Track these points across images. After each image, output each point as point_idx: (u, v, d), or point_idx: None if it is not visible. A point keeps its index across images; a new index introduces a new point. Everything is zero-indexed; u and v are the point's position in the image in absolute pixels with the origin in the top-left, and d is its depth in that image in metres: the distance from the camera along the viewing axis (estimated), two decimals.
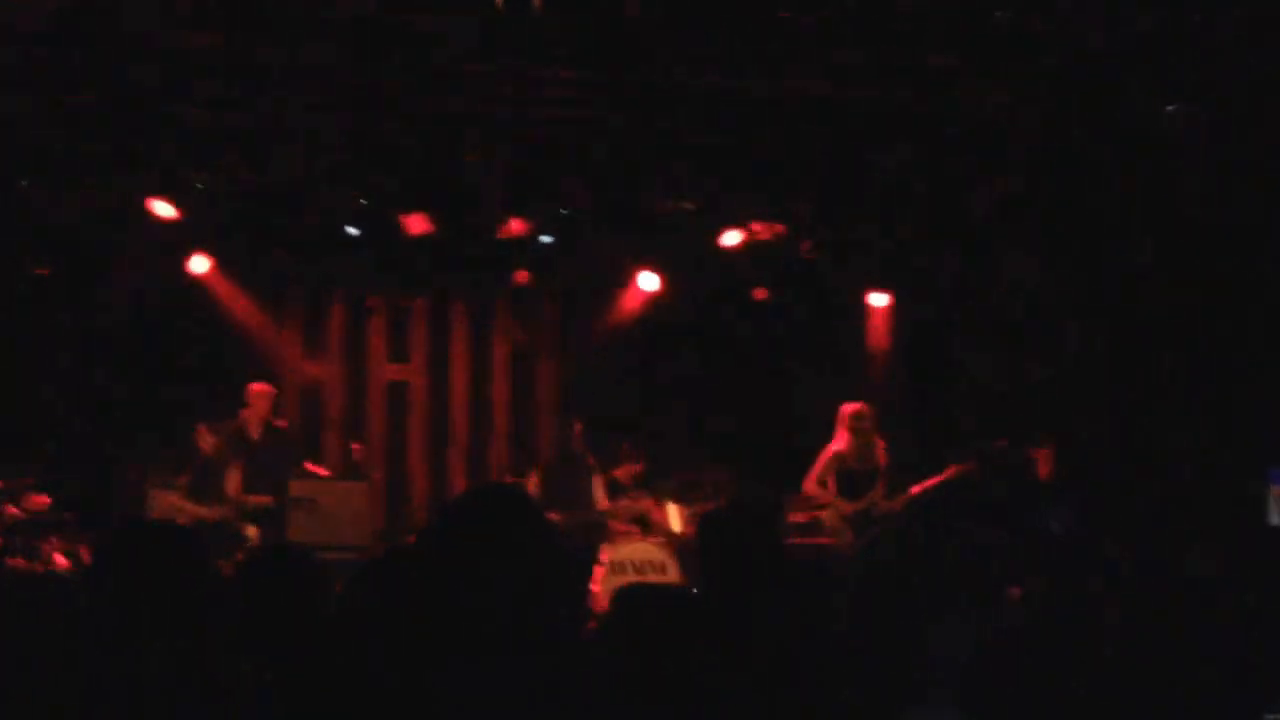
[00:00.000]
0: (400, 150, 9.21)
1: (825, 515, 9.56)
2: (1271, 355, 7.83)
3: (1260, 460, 7.73)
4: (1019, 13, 7.38)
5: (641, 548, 9.55)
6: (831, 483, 9.56)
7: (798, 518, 10.05)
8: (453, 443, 11.86)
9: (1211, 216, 7.96)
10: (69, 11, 7.25)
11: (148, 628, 2.64)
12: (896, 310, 11.66)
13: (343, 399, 11.71)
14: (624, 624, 3.00)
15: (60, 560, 8.60)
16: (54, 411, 10.51)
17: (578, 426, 9.91)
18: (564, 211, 10.33)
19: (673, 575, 9.25)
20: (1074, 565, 4.51)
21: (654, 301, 11.68)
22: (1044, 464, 9.55)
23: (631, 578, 9.11)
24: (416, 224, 9.87)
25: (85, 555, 8.39)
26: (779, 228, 10.34)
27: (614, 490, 10.05)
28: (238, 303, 11.14)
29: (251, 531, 9.10)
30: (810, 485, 9.65)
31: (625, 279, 11.49)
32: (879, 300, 11.61)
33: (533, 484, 9.51)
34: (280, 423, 10.23)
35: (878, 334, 11.74)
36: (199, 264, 10.49)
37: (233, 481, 8.92)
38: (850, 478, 9.51)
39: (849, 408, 9.58)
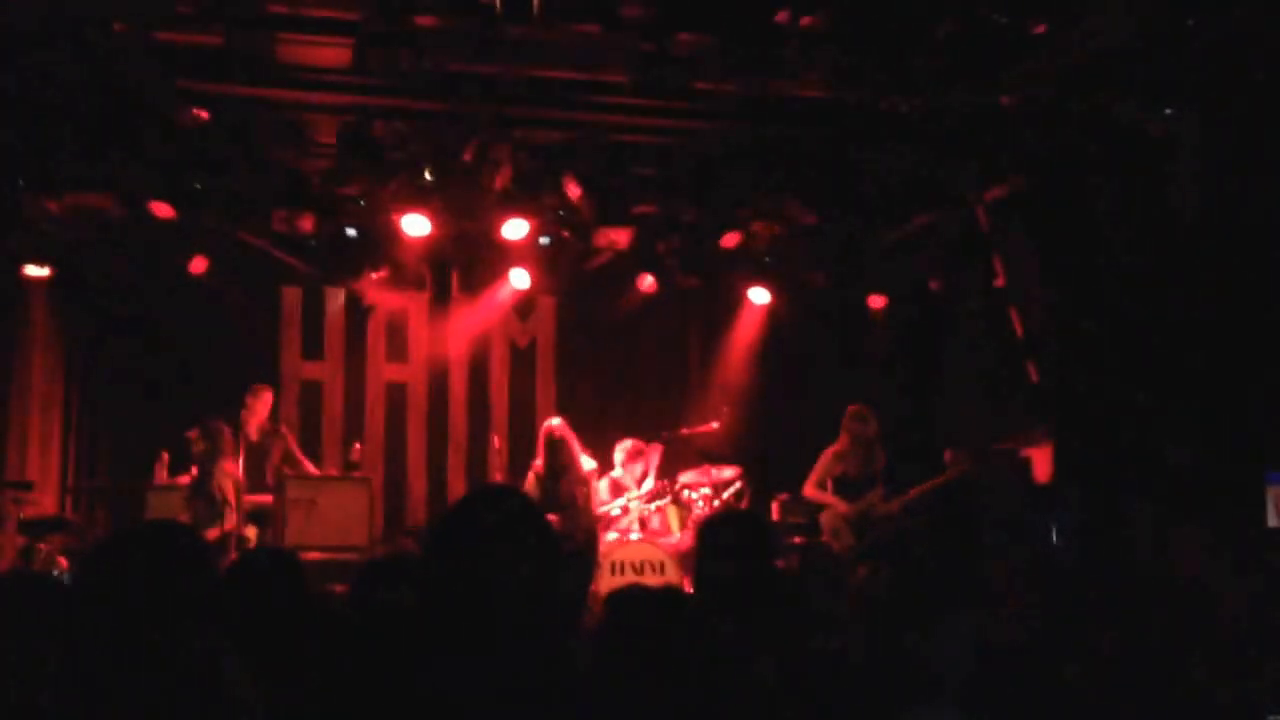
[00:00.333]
0: (400, 151, 9.21)
1: (824, 517, 9.58)
2: (1270, 356, 7.83)
3: (1259, 462, 7.73)
4: (1017, 15, 7.39)
5: (640, 548, 9.56)
6: (830, 484, 9.57)
7: (797, 520, 10.07)
8: (452, 443, 11.87)
9: (1210, 218, 7.96)
10: (68, 11, 7.25)
11: (146, 628, 2.64)
12: (895, 312, 11.68)
13: (342, 400, 11.71)
14: (616, 626, 3.00)
15: (61, 561, 8.60)
16: (55, 413, 10.50)
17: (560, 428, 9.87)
18: (563, 212, 10.34)
19: (672, 576, 9.26)
20: (1073, 568, 4.52)
21: (653, 303, 11.68)
22: (1042, 465, 9.57)
23: (631, 578, 9.12)
24: (416, 224, 9.87)
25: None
26: (777, 229, 10.34)
27: (612, 492, 10.05)
28: (236, 303, 11.14)
29: (251, 533, 9.09)
30: (810, 487, 9.66)
31: (624, 280, 11.49)
32: (877, 302, 11.63)
33: (529, 485, 9.51)
34: (281, 427, 10.23)
35: (875, 335, 11.75)
36: (197, 264, 10.48)
37: (231, 483, 8.92)
38: (849, 479, 9.53)
39: (855, 411, 9.61)
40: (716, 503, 9.96)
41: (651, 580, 9.01)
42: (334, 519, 9.35)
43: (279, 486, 9.51)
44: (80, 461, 10.72)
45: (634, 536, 9.72)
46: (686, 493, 10.12)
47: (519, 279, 11.16)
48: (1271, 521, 7.55)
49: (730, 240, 10.48)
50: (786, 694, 3.37)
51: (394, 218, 9.84)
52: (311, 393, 11.64)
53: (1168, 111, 7.90)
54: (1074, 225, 9.21)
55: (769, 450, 11.40)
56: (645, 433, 10.54)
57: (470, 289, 11.84)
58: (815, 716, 3.27)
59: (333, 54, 8.05)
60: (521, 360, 12.15)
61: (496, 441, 10.94)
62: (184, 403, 9.83)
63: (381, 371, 11.85)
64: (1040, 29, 7.46)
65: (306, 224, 9.79)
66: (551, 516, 8.67)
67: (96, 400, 10.79)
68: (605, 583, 9.08)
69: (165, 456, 9.62)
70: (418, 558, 3.71)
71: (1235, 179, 7.83)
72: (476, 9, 7.26)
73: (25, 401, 10.44)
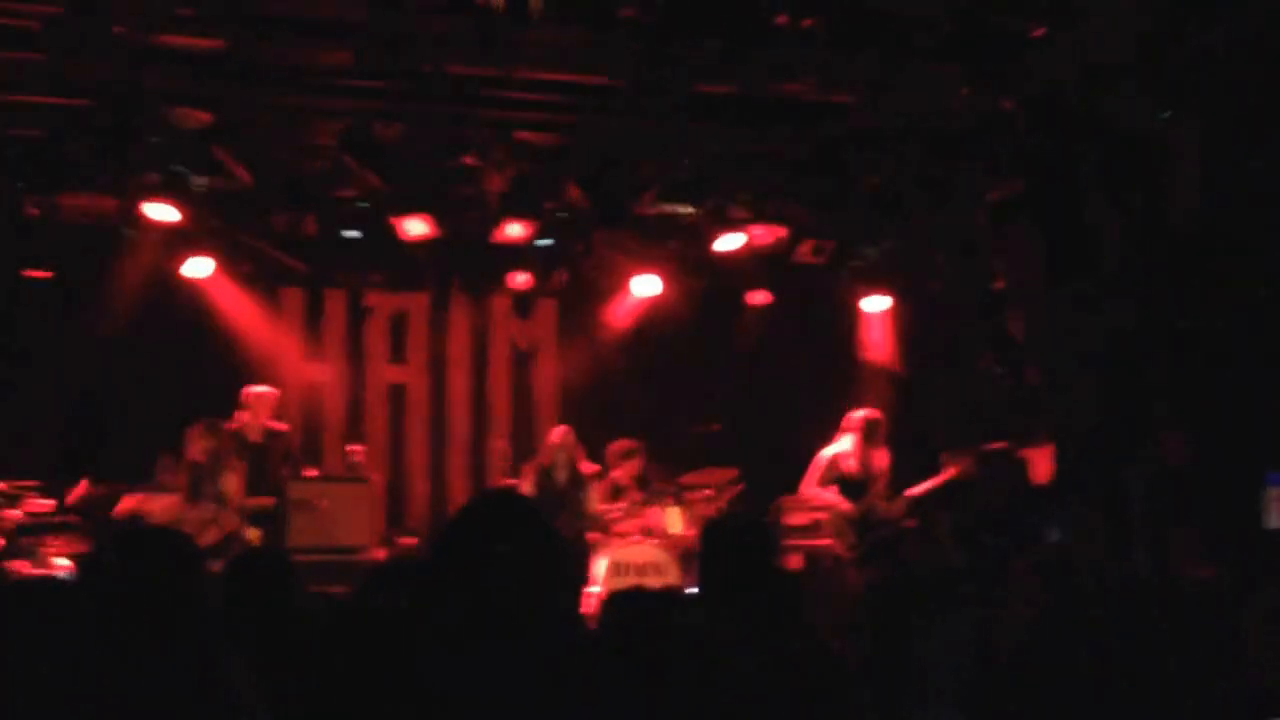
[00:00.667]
0: (400, 152, 9.22)
1: (827, 518, 9.59)
2: (1269, 358, 7.85)
3: (1258, 463, 7.75)
4: (1016, 19, 7.41)
5: (642, 549, 9.57)
6: (832, 485, 9.58)
7: (798, 520, 10.08)
8: (452, 445, 11.88)
9: (1208, 220, 7.97)
10: (67, 13, 7.26)
11: (143, 630, 2.65)
12: (895, 313, 11.69)
13: (342, 401, 11.72)
14: (613, 628, 3.02)
15: (62, 563, 8.61)
16: (55, 415, 10.51)
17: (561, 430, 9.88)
18: (563, 214, 10.35)
19: (673, 577, 9.26)
20: (1072, 570, 4.54)
21: (653, 305, 11.69)
22: (1042, 466, 9.58)
23: (633, 579, 9.12)
24: (416, 226, 9.88)
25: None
26: (778, 231, 10.35)
27: (613, 493, 10.06)
28: (237, 305, 11.15)
29: (253, 534, 9.09)
30: (811, 488, 9.67)
31: (624, 282, 11.51)
32: (877, 303, 11.64)
33: (526, 486, 9.52)
34: (280, 425, 10.23)
35: (876, 337, 11.76)
36: (198, 266, 10.49)
37: (232, 484, 8.92)
38: (851, 480, 9.54)
39: (863, 413, 9.62)
40: (718, 503, 9.96)
41: (653, 581, 9.01)
42: (335, 520, 9.36)
43: (280, 488, 9.51)
44: (81, 463, 10.72)
45: (635, 537, 9.72)
46: (688, 493, 10.13)
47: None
48: (1271, 523, 7.57)
49: (730, 243, 10.49)
50: (787, 695, 3.38)
51: (394, 220, 9.85)
52: (312, 394, 11.64)
53: (1166, 114, 7.92)
54: (1073, 227, 9.22)
55: (770, 451, 11.41)
56: (646, 435, 10.53)
57: (470, 291, 11.85)
58: (816, 717, 3.29)
59: (334, 57, 8.06)
60: (522, 362, 12.16)
61: (497, 443, 10.95)
62: (185, 404, 9.83)
63: (382, 373, 11.85)
64: (1039, 32, 7.48)
65: (307, 226, 9.80)
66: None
67: (97, 401, 10.78)
68: (607, 584, 9.08)
69: (167, 458, 9.62)
70: (420, 561, 3.73)
71: (1233, 181, 7.84)
72: (476, 12, 7.27)
73: (26, 402, 10.45)
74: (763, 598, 3.66)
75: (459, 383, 11.97)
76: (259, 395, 10.00)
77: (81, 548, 8.69)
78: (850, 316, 11.80)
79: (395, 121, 8.91)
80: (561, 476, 9.50)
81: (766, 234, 10.40)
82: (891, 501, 9.53)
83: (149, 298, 10.74)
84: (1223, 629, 3.93)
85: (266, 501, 9.46)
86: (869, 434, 9.57)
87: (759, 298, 11.61)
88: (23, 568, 8.55)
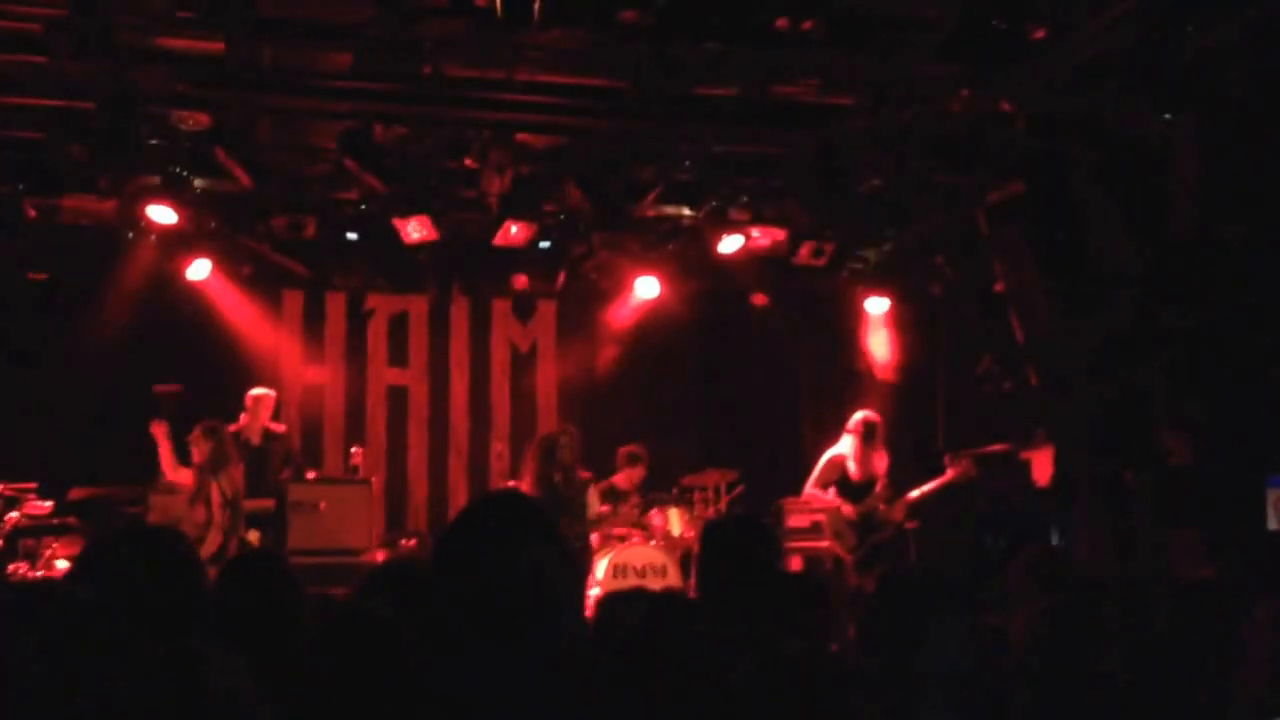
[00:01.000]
0: (400, 155, 9.22)
1: (828, 519, 9.59)
2: (1269, 360, 7.85)
3: (1259, 465, 7.74)
4: (1016, 21, 7.40)
5: (643, 552, 9.57)
6: (833, 487, 9.59)
7: (799, 522, 10.08)
8: (453, 447, 11.88)
9: (1208, 222, 7.97)
10: (68, 15, 7.26)
11: (139, 633, 2.65)
12: (894, 315, 11.69)
13: (342, 403, 11.73)
14: (608, 630, 3.02)
15: (62, 565, 8.61)
16: (55, 417, 10.51)
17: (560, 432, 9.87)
18: (563, 217, 10.35)
19: (674, 579, 9.26)
20: (1073, 573, 4.54)
21: (653, 307, 11.70)
22: (1042, 468, 9.58)
23: (634, 581, 9.13)
24: (416, 228, 9.88)
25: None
26: (778, 234, 10.35)
27: (614, 496, 10.06)
28: (237, 307, 11.16)
29: (253, 536, 9.10)
30: (812, 489, 9.68)
31: (624, 284, 11.51)
32: (877, 305, 11.64)
33: (525, 488, 9.52)
34: (279, 427, 10.24)
35: (876, 339, 11.76)
36: (198, 268, 10.49)
37: (233, 486, 8.93)
38: (852, 482, 9.55)
39: (863, 416, 9.63)
40: (718, 506, 9.97)
41: (654, 583, 9.02)
42: (335, 522, 9.36)
43: (280, 490, 9.52)
44: (82, 465, 10.72)
45: (635, 539, 9.72)
46: (688, 495, 10.13)
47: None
48: (1272, 525, 7.56)
49: (730, 245, 10.49)
50: (787, 697, 3.38)
51: (395, 222, 9.85)
52: (313, 396, 11.65)
53: (1166, 116, 7.92)
54: (1073, 229, 9.22)
55: (771, 453, 11.41)
56: (646, 436, 10.54)
57: (471, 293, 11.85)
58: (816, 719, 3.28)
59: (333, 58, 8.07)
60: (522, 364, 12.16)
61: (497, 445, 10.96)
62: (186, 406, 9.83)
63: (382, 375, 11.86)
64: (1039, 34, 7.48)
65: (307, 228, 9.80)
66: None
67: (98, 403, 10.78)
68: (608, 586, 9.08)
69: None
70: (421, 563, 3.72)
71: (1233, 183, 7.84)
72: (476, 14, 7.26)
73: (27, 404, 10.45)
74: (764, 598, 3.66)
75: (459, 385, 11.98)
76: (258, 397, 10.03)
77: (81, 550, 8.68)
78: (850, 318, 11.81)
79: (395, 124, 8.91)
80: (561, 479, 9.48)
81: (766, 236, 10.41)
82: (892, 504, 9.53)
83: (149, 300, 10.75)
84: (1223, 631, 3.93)
85: (266, 503, 9.47)
86: (868, 436, 9.58)
87: (759, 300, 11.62)
88: (22, 570, 8.56)
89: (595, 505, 9.75)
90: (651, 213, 10.22)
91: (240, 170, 9.16)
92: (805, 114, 8.86)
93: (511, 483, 10.18)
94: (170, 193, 9.40)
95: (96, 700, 2.38)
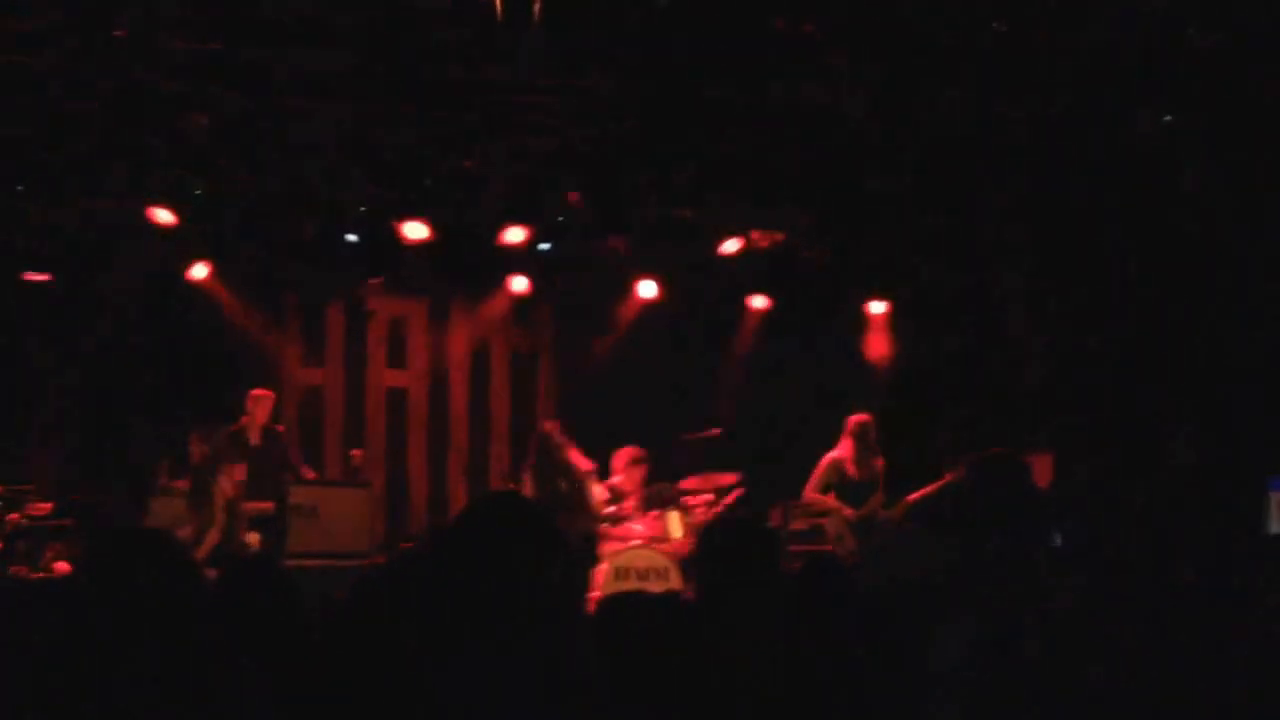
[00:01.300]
0: (400, 157, 9.22)
1: (827, 522, 9.59)
2: (1270, 363, 7.85)
3: (1260, 468, 7.74)
4: (1019, 22, 7.40)
5: (643, 554, 9.55)
6: (832, 490, 9.58)
7: (799, 525, 10.08)
8: (452, 449, 11.88)
9: (1211, 224, 7.98)
10: (68, 18, 7.26)
11: (137, 635, 2.64)
12: (895, 317, 11.69)
13: (342, 405, 11.72)
14: (606, 632, 3.01)
15: (61, 567, 8.60)
16: (55, 418, 10.51)
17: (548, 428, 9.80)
18: (562, 218, 10.35)
19: (674, 581, 9.25)
20: (1073, 576, 4.53)
21: (653, 309, 11.70)
22: (1043, 471, 9.57)
23: (634, 584, 9.12)
24: (416, 230, 9.88)
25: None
26: (778, 236, 10.35)
27: (616, 498, 10.04)
28: (237, 309, 11.15)
29: (253, 538, 9.09)
30: (811, 492, 9.67)
31: (624, 286, 11.51)
32: (877, 307, 11.64)
33: (526, 489, 9.49)
34: (279, 428, 10.23)
35: (877, 341, 11.76)
36: (198, 270, 10.49)
37: (233, 487, 8.92)
38: (851, 485, 9.53)
39: (855, 418, 9.61)
40: (718, 508, 9.95)
41: (654, 586, 9.00)
42: (335, 524, 9.37)
43: (280, 492, 9.51)
44: (83, 467, 10.72)
45: (636, 542, 9.71)
46: (688, 498, 10.11)
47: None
48: (1273, 528, 7.56)
49: (730, 247, 10.49)
50: (786, 699, 3.37)
51: (394, 224, 9.85)
52: (312, 398, 11.64)
53: (1169, 118, 7.92)
54: (1076, 231, 9.23)
55: (771, 455, 11.40)
56: (646, 439, 10.52)
57: (470, 295, 11.84)
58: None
59: (334, 61, 8.06)
60: (522, 366, 12.16)
61: (497, 447, 10.95)
62: (185, 408, 9.83)
63: (382, 377, 11.86)
64: (1042, 35, 7.48)
65: (308, 230, 9.80)
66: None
67: (99, 405, 10.79)
68: (608, 588, 9.06)
69: (167, 462, 9.62)
70: (420, 564, 3.71)
71: (1236, 185, 7.84)
72: (477, 16, 7.26)
73: (27, 407, 10.45)
74: (763, 601, 3.65)
75: (459, 387, 11.97)
76: (257, 399, 10.02)
77: (81, 551, 8.68)
78: (850, 321, 11.80)
79: (395, 126, 8.91)
80: (558, 476, 9.42)
81: (766, 238, 10.40)
82: (891, 507, 9.52)
83: (149, 302, 10.75)
84: (1224, 632, 3.93)
85: (266, 505, 9.46)
86: (864, 438, 9.56)
87: (759, 302, 11.61)
88: (22, 571, 8.55)
89: (597, 504, 9.72)
90: (651, 215, 10.22)
91: (241, 172, 9.16)
92: (806, 116, 8.86)
93: (512, 484, 10.16)
94: (171, 195, 9.40)
95: (98, 700, 2.38)
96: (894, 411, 11.08)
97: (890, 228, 10.65)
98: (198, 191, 9.52)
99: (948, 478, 9.59)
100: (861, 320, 11.75)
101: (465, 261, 11.26)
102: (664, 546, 9.72)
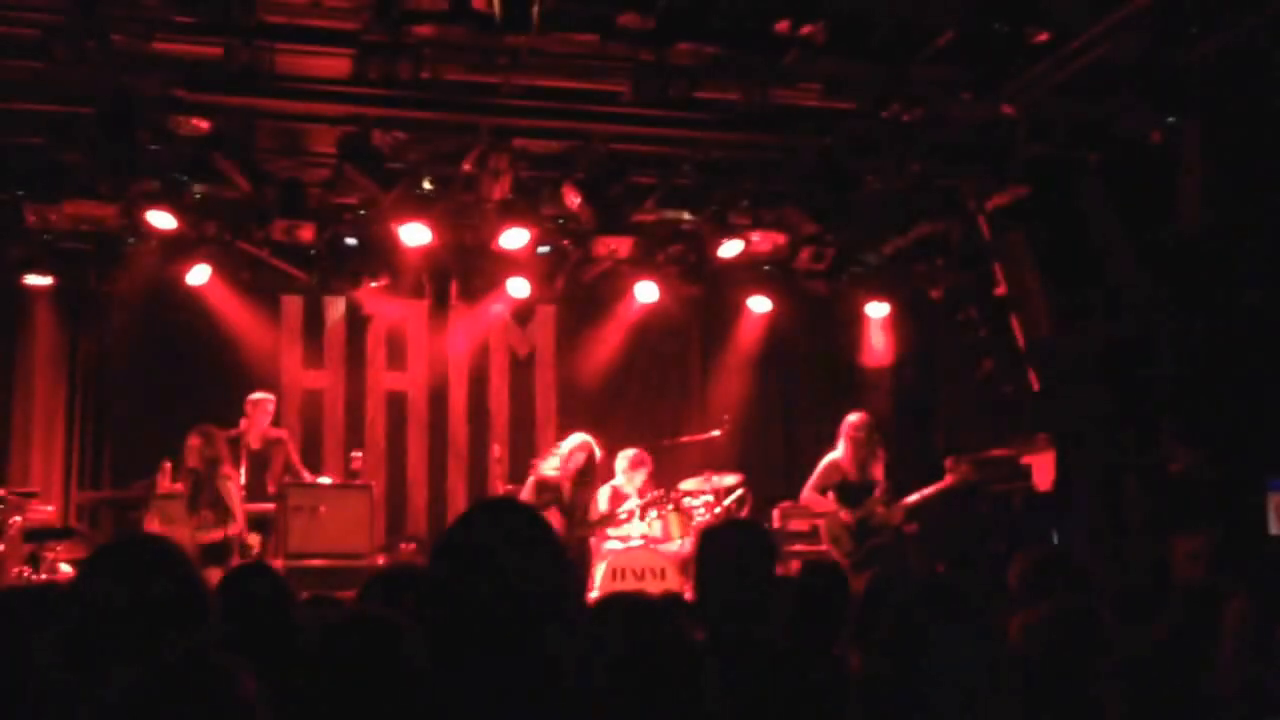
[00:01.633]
0: (400, 160, 9.22)
1: (825, 524, 9.59)
2: (1270, 364, 7.84)
3: (1260, 469, 7.74)
4: (1018, 24, 7.40)
5: (643, 555, 9.56)
6: (831, 492, 9.58)
7: (797, 526, 10.08)
8: (452, 451, 11.87)
9: (1211, 226, 7.96)
10: (67, 21, 7.26)
11: (135, 639, 2.64)
12: (895, 320, 11.68)
13: (342, 408, 11.71)
14: (602, 632, 3.01)
15: (64, 570, 8.60)
16: (58, 421, 10.51)
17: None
18: (562, 221, 10.35)
19: (673, 583, 9.25)
20: (1074, 578, 4.53)
21: (653, 311, 11.70)
22: (1044, 473, 9.57)
23: (632, 585, 9.12)
24: (415, 233, 9.87)
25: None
26: (778, 238, 10.35)
27: (615, 500, 10.04)
28: (236, 312, 11.15)
29: (253, 540, 9.09)
30: (810, 494, 9.67)
31: (624, 289, 11.50)
32: (878, 310, 11.63)
33: (527, 492, 9.48)
34: (278, 432, 10.24)
35: (876, 343, 11.76)
36: (198, 273, 10.49)
37: (232, 491, 8.92)
38: (849, 487, 9.53)
39: (853, 419, 9.61)
40: (718, 510, 9.95)
41: (653, 587, 9.01)
42: (335, 527, 9.36)
43: (281, 494, 9.52)
44: (84, 470, 10.73)
45: (636, 544, 9.71)
46: (687, 500, 10.11)
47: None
48: (1273, 529, 7.56)
49: (730, 249, 10.48)
50: (786, 700, 3.37)
51: (393, 227, 9.84)
52: (312, 401, 11.64)
53: (1169, 120, 7.91)
54: (1075, 234, 9.22)
55: (770, 457, 11.40)
56: (647, 441, 10.52)
57: (470, 297, 11.84)
58: None
59: (332, 64, 8.06)
60: (521, 369, 12.15)
61: (496, 450, 10.94)
62: (186, 411, 9.83)
63: (382, 380, 11.85)
64: (1042, 38, 7.48)
65: (306, 233, 9.79)
66: (557, 522, 8.69)
67: (99, 408, 10.79)
68: (607, 588, 9.06)
69: (168, 465, 9.62)
70: (420, 568, 3.71)
71: (1236, 187, 7.84)
72: (476, 18, 7.26)
73: (28, 410, 10.45)
74: (761, 602, 3.65)
75: (458, 390, 11.97)
76: (257, 402, 10.04)
77: (83, 554, 8.69)
78: (851, 323, 11.80)
79: (394, 128, 8.91)
80: (566, 485, 9.42)
81: (766, 240, 10.39)
82: (890, 508, 9.52)
83: (149, 305, 10.75)
84: (1223, 633, 3.92)
85: (266, 507, 9.47)
86: (864, 440, 9.55)
87: (759, 304, 11.61)
88: (25, 574, 8.55)
89: (600, 506, 9.71)
90: (651, 217, 10.21)
91: (239, 175, 9.16)
92: (806, 118, 8.86)
93: (512, 486, 10.16)
94: (169, 198, 9.40)
95: (98, 702, 2.38)
96: (894, 411, 11.09)
97: (891, 230, 10.66)
98: (197, 195, 9.51)
99: (948, 480, 9.59)
100: (862, 322, 11.75)
101: (464, 264, 11.26)
102: (663, 548, 9.72)
